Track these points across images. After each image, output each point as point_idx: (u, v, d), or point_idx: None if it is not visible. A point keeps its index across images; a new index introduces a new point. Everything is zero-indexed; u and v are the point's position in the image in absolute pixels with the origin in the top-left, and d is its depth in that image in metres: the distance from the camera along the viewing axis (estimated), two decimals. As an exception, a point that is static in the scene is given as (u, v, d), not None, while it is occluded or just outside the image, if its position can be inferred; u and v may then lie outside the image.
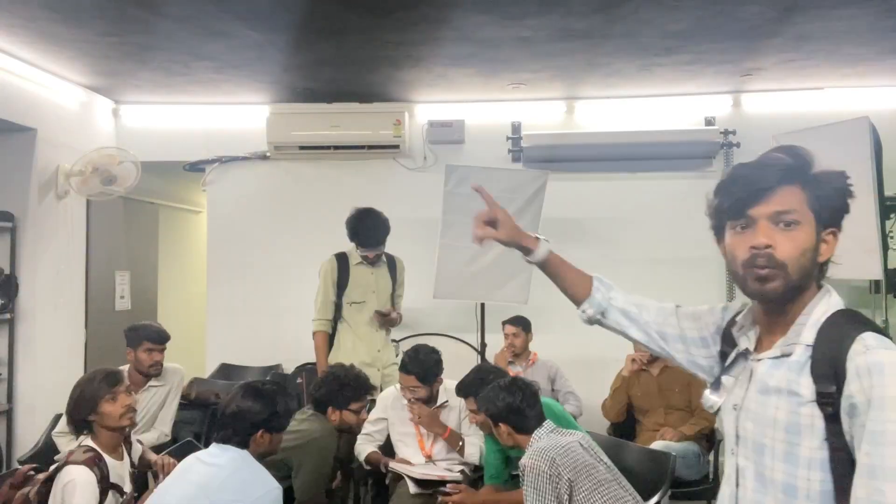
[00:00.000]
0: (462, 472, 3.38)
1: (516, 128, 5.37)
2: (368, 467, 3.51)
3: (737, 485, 1.36)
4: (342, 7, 3.56)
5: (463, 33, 3.92)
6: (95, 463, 2.53)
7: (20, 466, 2.79)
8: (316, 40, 4.07)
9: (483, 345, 4.93)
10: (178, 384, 3.95)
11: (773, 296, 1.31)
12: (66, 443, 3.36)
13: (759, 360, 1.36)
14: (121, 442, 2.74)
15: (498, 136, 5.36)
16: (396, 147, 5.27)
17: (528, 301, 4.65)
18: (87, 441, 2.65)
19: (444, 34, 3.94)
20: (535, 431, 2.73)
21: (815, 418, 1.23)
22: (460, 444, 3.41)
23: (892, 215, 4.50)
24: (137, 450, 2.93)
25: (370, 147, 5.29)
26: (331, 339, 4.10)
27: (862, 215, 4.13)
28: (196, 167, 5.56)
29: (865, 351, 1.20)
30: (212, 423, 4.38)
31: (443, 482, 3.21)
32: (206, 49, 4.16)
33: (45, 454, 3.44)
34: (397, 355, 4.12)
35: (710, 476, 3.83)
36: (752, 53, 4.34)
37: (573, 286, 1.72)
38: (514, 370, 4.50)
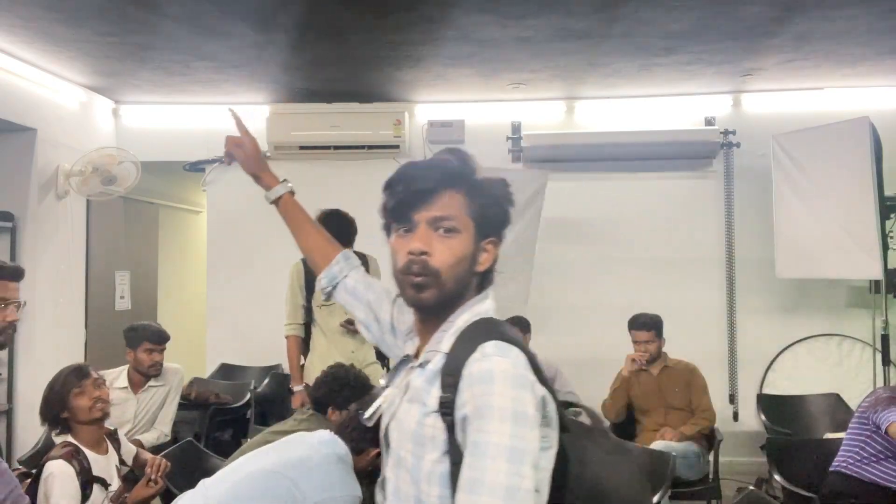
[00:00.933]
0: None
1: (516, 128, 5.37)
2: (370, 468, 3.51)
3: (384, 498, 1.29)
4: (342, 7, 3.56)
5: (463, 33, 3.92)
6: (73, 456, 2.56)
7: (20, 466, 2.80)
8: (316, 40, 4.07)
9: (483, 345, 4.93)
10: (177, 384, 3.95)
11: (427, 304, 1.25)
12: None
13: (413, 367, 1.29)
14: (102, 436, 2.76)
15: (498, 136, 5.36)
16: (396, 147, 5.27)
17: (528, 301, 4.65)
18: (68, 437, 2.68)
19: (444, 34, 3.94)
20: None
21: (436, 429, 1.16)
22: None
23: (892, 215, 4.50)
24: (131, 450, 2.94)
25: (370, 147, 5.29)
26: (306, 342, 4.09)
27: (862, 215, 4.13)
28: (196, 167, 5.56)
29: (481, 358, 1.14)
30: (211, 423, 4.39)
31: None
32: (206, 49, 4.16)
33: (45, 454, 3.43)
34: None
35: (710, 476, 3.83)
36: (752, 53, 4.34)
37: (315, 250, 1.66)
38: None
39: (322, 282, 1.62)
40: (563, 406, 1.28)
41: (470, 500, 1.07)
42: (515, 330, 1.27)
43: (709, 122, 5.27)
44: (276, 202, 1.68)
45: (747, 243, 5.19)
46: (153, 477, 2.74)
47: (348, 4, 3.52)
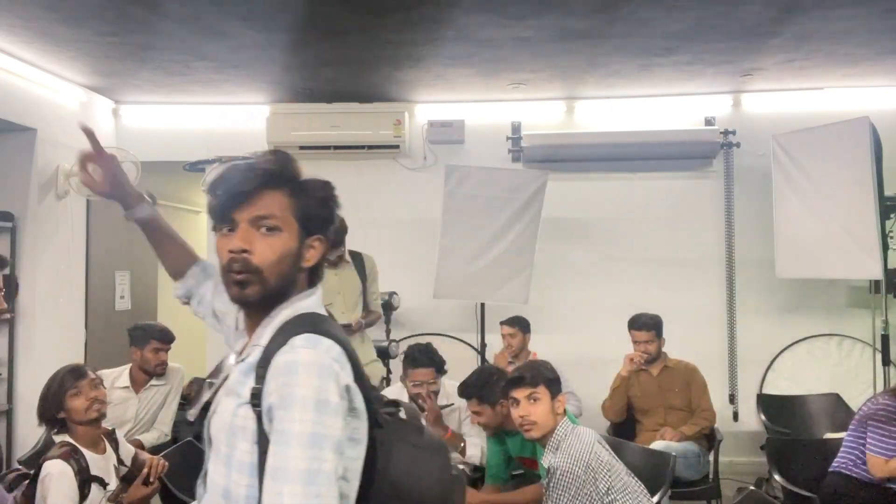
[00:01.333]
0: (462, 471, 3.38)
1: (516, 128, 5.37)
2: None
3: (205, 490, 1.31)
4: (342, 7, 3.56)
5: (463, 33, 3.92)
6: (71, 455, 2.57)
7: (20, 466, 2.81)
8: (316, 40, 4.07)
9: (483, 345, 4.94)
10: (178, 384, 3.96)
11: (251, 301, 1.27)
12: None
13: (235, 364, 1.32)
14: (99, 436, 2.77)
15: (498, 136, 5.36)
16: (396, 147, 5.27)
17: (528, 301, 4.65)
18: (65, 437, 2.69)
19: (444, 34, 3.94)
20: (570, 429, 2.67)
21: (248, 419, 1.19)
22: (462, 445, 3.41)
23: (892, 215, 4.50)
24: (130, 450, 2.95)
25: (370, 147, 5.29)
26: None
27: (862, 215, 4.13)
28: (196, 167, 5.55)
29: (289, 350, 1.18)
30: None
31: None
32: (206, 49, 4.16)
33: (45, 454, 3.44)
34: (394, 356, 4.09)
35: (710, 476, 3.83)
36: (752, 53, 4.34)
37: (173, 260, 1.69)
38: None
39: (178, 291, 1.69)
40: (387, 404, 1.34)
41: (273, 489, 1.09)
42: (337, 326, 1.31)
43: (709, 122, 5.27)
44: (141, 223, 1.66)
45: (747, 243, 5.19)
46: (151, 479, 2.75)
47: (348, 4, 3.52)
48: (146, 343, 3.81)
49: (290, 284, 1.30)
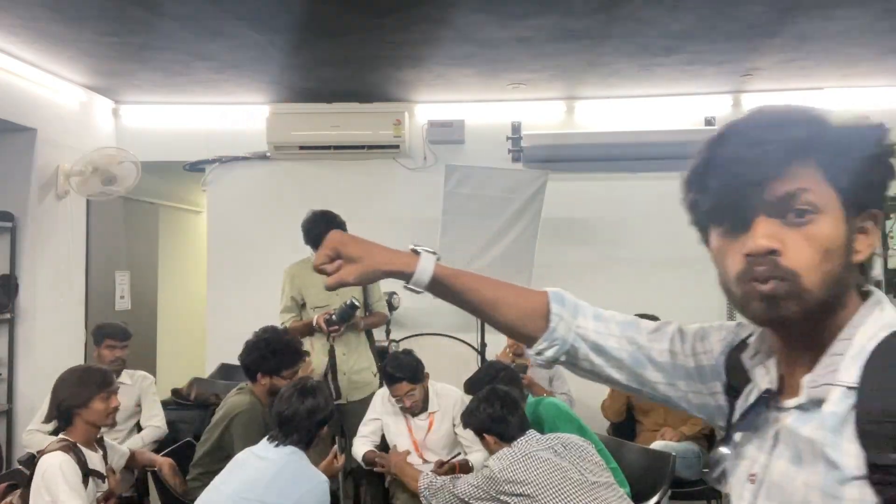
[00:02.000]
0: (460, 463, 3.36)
1: (516, 128, 5.37)
2: (368, 467, 3.52)
3: None
4: (342, 7, 3.56)
5: (463, 33, 3.92)
6: (72, 449, 2.60)
7: (20, 466, 2.82)
8: (316, 40, 4.07)
9: (483, 345, 4.93)
10: (147, 386, 3.96)
11: (788, 321, 0.88)
12: (38, 441, 3.35)
13: (786, 409, 0.91)
14: (94, 438, 2.81)
15: (498, 136, 5.36)
16: (396, 147, 5.27)
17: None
18: (62, 435, 2.71)
19: (444, 34, 3.94)
20: (519, 440, 2.71)
21: None
22: (469, 464, 3.37)
23: (892, 215, 4.50)
24: (125, 453, 2.99)
25: (370, 147, 5.29)
26: None
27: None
28: (196, 167, 5.56)
29: None
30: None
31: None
32: (206, 49, 4.16)
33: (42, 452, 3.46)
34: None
35: (710, 476, 3.83)
36: (752, 53, 4.34)
37: (511, 314, 1.16)
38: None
39: (547, 353, 1.14)
40: None
41: None
42: None
43: (709, 122, 5.27)
44: (433, 285, 1.17)
45: (747, 243, 5.19)
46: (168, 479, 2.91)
47: (348, 4, 3.52)
48: (101, 341, 3.87)
49: (841, 290, 0.89)
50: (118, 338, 3.87)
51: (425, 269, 1.15)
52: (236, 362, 5.36)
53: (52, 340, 4.73)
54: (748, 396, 0.99)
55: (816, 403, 0.86)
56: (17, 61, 4.31)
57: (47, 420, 2.83)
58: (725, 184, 0.91)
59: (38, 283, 4.63)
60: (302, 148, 5.33)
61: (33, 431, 3.54)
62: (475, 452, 3.38)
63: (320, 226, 3.81)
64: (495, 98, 5.27)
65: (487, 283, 1.18)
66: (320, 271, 1.12)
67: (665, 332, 1.13)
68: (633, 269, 5.27)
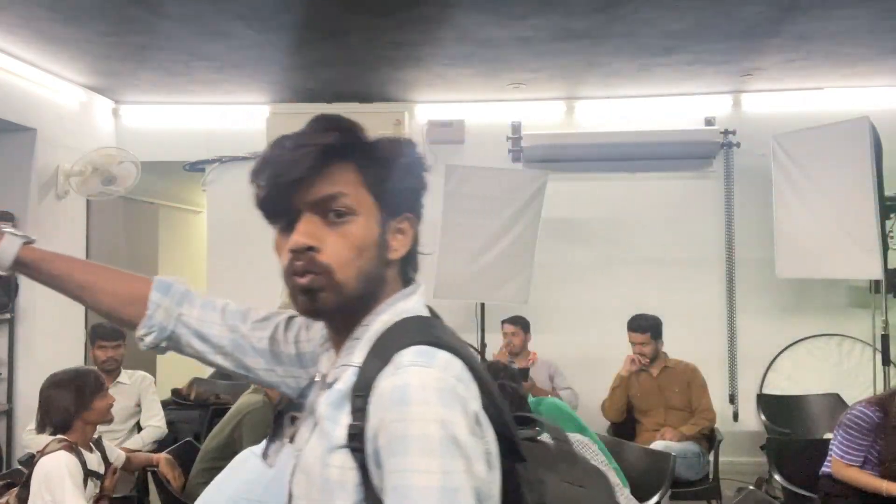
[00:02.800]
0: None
1: (516, 128, 5.37)
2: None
3: None
4: (342, 7, 3.56)
5: (463, 33, 3.92)
6: (73, 449, 2.60)
7: (20, 467, 2.82)
8: (316, 40, 4.07)
9: (483, 345, 4.94)
10: (147, 386, 3.96)
11: (325, 311, 0.97)
12: (38, 441, 3.34)
13: (320, 390, 1.00)
14: (91, 439, 2.82)
15: (498, 136, 5.36)
16: (396, 147, 5.26)
17: (529, 301, 4.65)
18: (62, 436, 2.70)
19: (444, 34, 3.94)
20: None
21: (346, 471, 0.88)
22: None
23: (892, 215, 4.50)
24: (121, 455, 2.99)
25: (370, 147, 5.29)
26: None
27: (862, 215, 4.13)
28: (196, 167, 5.56)
29: (394, 371, 0.88)
30: (211, 423, 4.38)
31: None
32: (206, 49, 4.16)
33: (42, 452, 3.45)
34: None
35: (710, 476, 3.83)
36: (752, 53, 4.34)
37: (107, 300, 1.20)
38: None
39: (147, 339, 1.17)
40: (522, 421, 1.10)
41: None
42: (450, 331, 0.99)
43: (709, 122, 5.27)
44: (13, 268, 1.23)
45: (747, 243, 5.19)
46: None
47: (348, 4, 3.52)
48: (95, 341, 3.88)
49: (376, 284, 0.99)
50: (109, 338, 3.86)
51: (5, 250, 1.22)
52: (236, 362, 5.41)
53: (52, 340, 4.73)
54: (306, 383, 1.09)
55: (334, 383, 0.96)
56: (17, 61, 4.31)
57: (39, 430, 2.81)
58: (272, 182, 0.98)
59: (38, 284, 4.63)
60: (302, 148, 5.32)
61: (33, 431, 3.54)
62: None
63: None
64: (495, 98, 5.27)
65: (83, 269, 1.25)
66: None
67: (272, 322, 1.19)
68: (632, 268, 5.27)
